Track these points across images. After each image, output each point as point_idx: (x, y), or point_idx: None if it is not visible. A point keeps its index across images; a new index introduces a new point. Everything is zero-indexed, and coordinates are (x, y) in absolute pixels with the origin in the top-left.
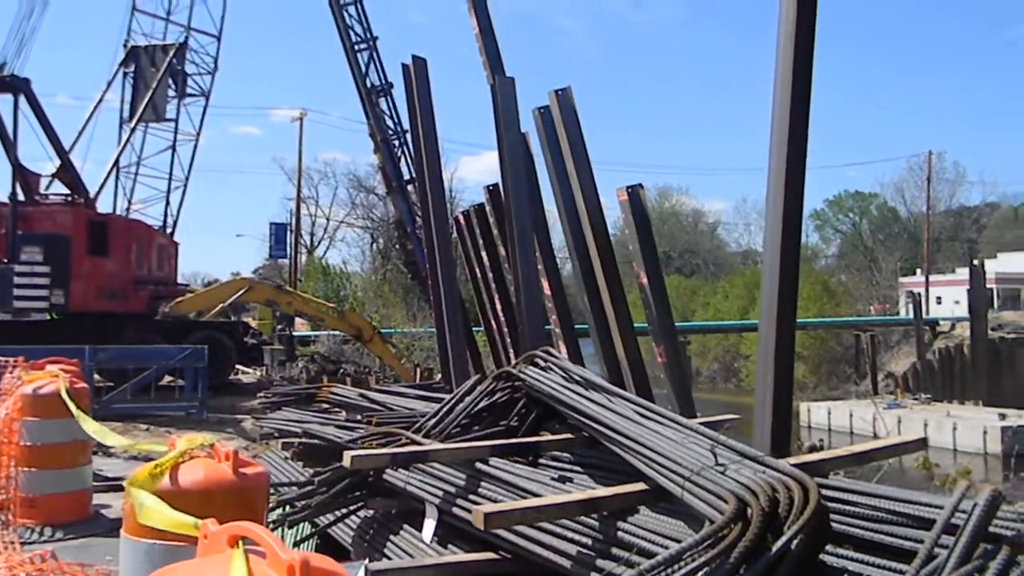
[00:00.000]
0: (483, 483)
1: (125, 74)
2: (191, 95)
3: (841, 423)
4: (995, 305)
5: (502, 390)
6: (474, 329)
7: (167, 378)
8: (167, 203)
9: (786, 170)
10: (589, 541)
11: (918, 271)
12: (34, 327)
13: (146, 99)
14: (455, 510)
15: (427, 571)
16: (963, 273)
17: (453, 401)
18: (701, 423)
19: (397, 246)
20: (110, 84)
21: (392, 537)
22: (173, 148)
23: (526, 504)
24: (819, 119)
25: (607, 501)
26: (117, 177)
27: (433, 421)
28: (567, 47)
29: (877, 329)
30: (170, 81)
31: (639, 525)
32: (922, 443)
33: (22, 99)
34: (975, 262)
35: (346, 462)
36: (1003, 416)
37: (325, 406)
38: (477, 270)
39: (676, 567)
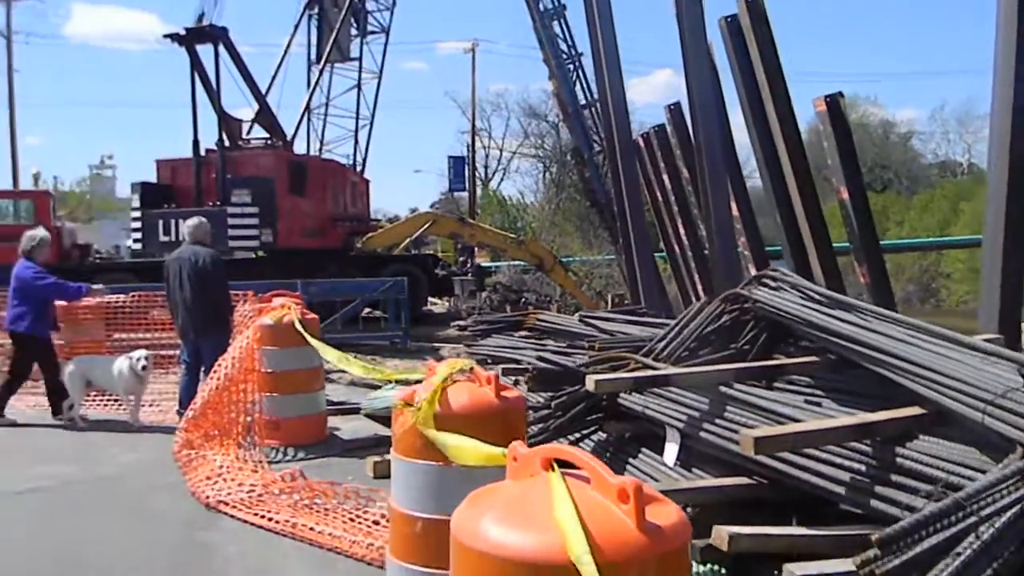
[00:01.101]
0: (728, 407)
1: (310, 16)
2: (372, 32)
3: None
4: None
5: (730, 312)
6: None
7: (366, 310)
8: (356, 141)
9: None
10: (863, 467)
11: None
12: (244, 264)
13: (331, 39)
14: (701, 434)
15: (683, 494)
16: None
17: (680, 324)
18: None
19: (572, 174)
20: (297, 27)
21: (631, 460)
22: (358, 87)
23: (797, 428)
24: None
25: (882, 426)
26: (309, 119)
27: (663, 344)
28: None
29: None
30: (352, 20)
31: (921, 451)
32: None
33: (221, 48)
34: None
35: (589, 386)
36: None
37: (530, 333)
38: (659, 194)
39: (997, 494)
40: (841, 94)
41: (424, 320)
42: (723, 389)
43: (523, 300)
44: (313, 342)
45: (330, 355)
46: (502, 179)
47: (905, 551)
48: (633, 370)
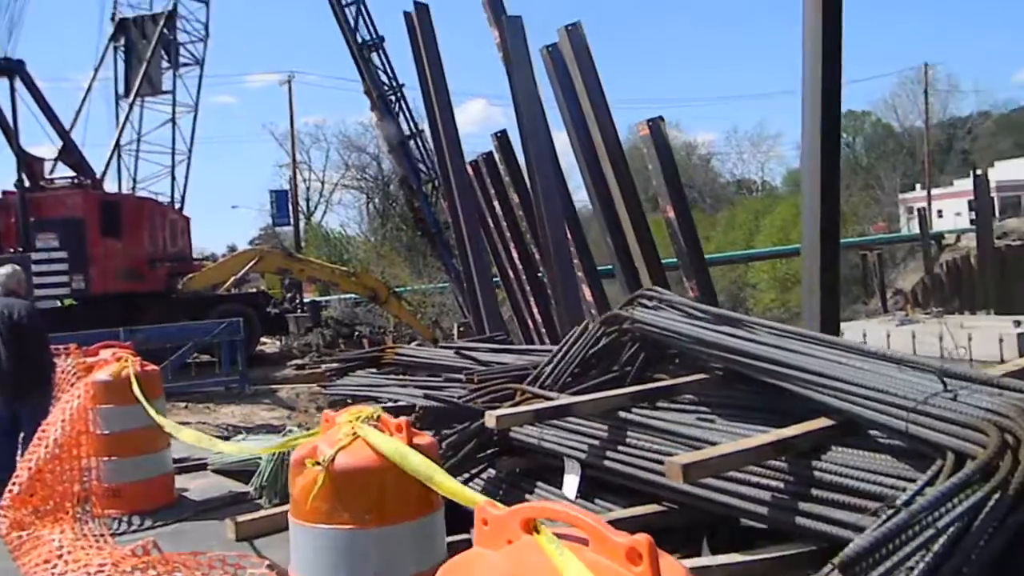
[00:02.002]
0: (629, 432)
1: (116, 48)
2: (185, 64)
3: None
4: (996, 214)
5: (608, 334)
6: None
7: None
8: (172, 177)
9: (822, 89)
10: (781, 484)
11: (917, 186)
12: (52, 315)
13: (141, 72)
14: (605, 462)
15: None
16: (961, 185)
17: (563, 350)
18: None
19: (397, 204)
20: (102, 60)
21: (527, 496)
22: (173, 121)
23: (720, 451)
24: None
25: (798, 440)
26: (119, 156)
27: (548, 371)
28: None
29: (882, 247)
30: (163, 52)
31: (838, 463)
32: None
33: (18, 82)
34: (979, 172)
35: (489, 422)
36: (1018, 323)
37: (390, 368)
38: (490, 220)
39: (951, 504)
40: (662, 118)
41: (257, 361)
42: (621, 414)
43: (356, 334)
44: (166, 425)
45: (186, 437)
46: (325, 212)
47: (868, 571)
48: (523, 401)
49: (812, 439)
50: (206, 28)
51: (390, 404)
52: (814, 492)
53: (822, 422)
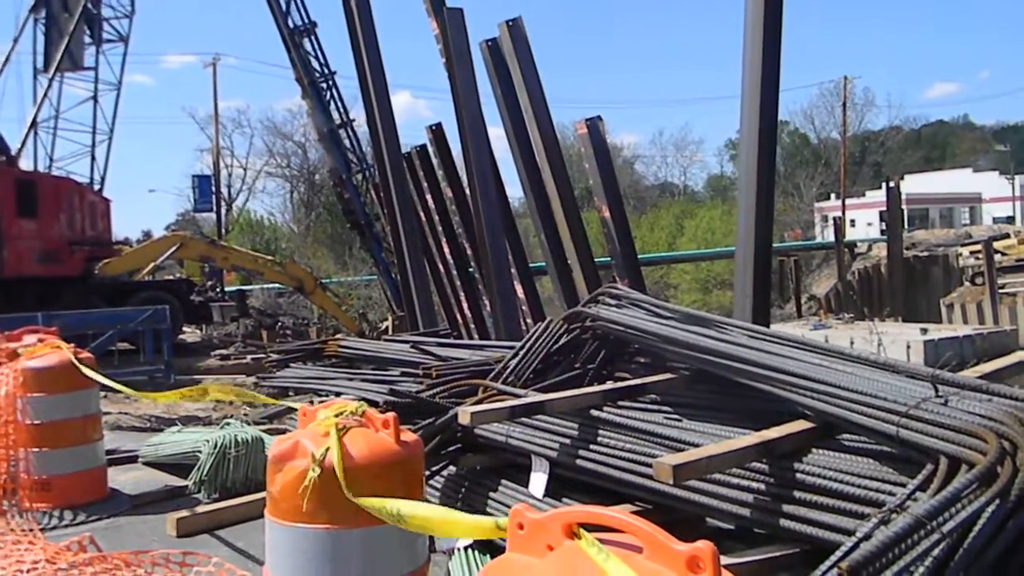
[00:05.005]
0: (601, 430)
1: (36, 21)
2: (109, 41)
3: None
4: (905, 225)
5: (570, 332)
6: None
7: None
8: (92, 158)
9: (760, 91)
10: (762, 486)
11: (832, 196)
12: None
13: (62, 47)
14: (578, 461)
15: None
16: (873, 196)
17: (527, 347)
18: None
19: (323, 195)
20: (21, 33)
21: (491, 494)
22: (95, 99)
23: (708, 452)
24: (728, 53)
25: (780, 443)
26: (36, 133)
27: (512, 366)
28: None
29: (798, 254)
30: (85, 27)
31: (820, 465)
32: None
33: None
34: (891, 183)
35: (463, 419)
36: (924, 331)
37: (335, 360)
38: (422, 212)
39: (954, 510)
40: (600, 118)
41: (179, 351)
42: (593, 412)
43: (279, 324)
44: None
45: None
46: (247, 199)
47: None
48: (487, 398)
49: (794, 441)
50: (132, 4)
51: (334, 398)
52: (796, 494)
53: (802, 424)
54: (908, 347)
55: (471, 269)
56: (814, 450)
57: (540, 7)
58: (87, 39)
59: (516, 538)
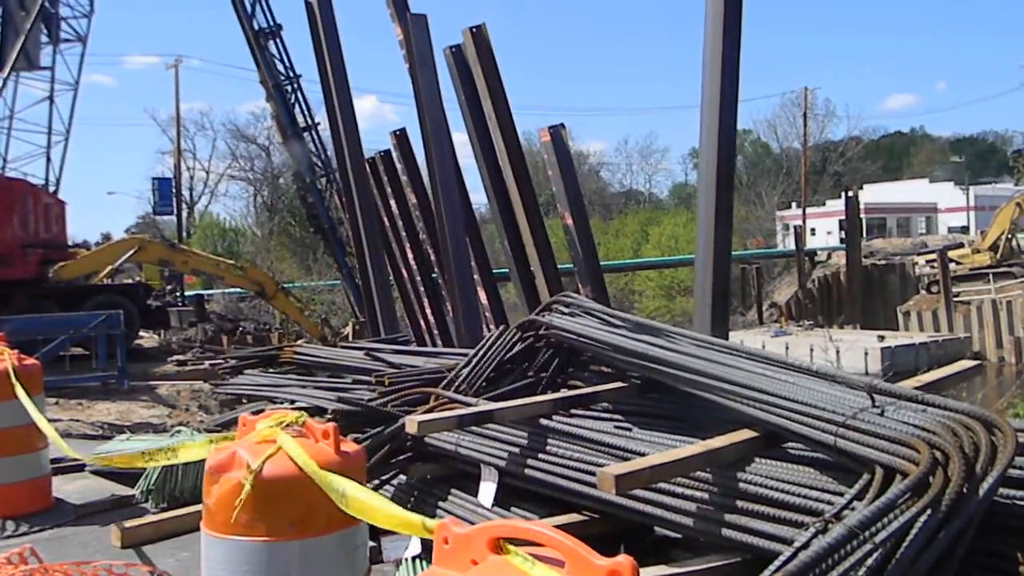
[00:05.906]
0: (550, 439)
1: None
2: (66, 40)
3: None
4: (863, 234)
5: (524, 340)
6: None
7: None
8: (48, 159)
9: (720, 101)
10: (706, 495)
11: (793, 204)
12: None
13: (17, 46)
14: (527, 471)
15: None
16: (833, 205)
17: (479, 355)
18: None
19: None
20: None
21: (440, 504)
22: (51, 99)
23: (652, 462)
24: (693, 63)
25: (724, 452)
26: None
27: (464, 375)
28: None
29: (760, 261)
30: (42, 26)
31: (763, 475)
32: (979, 368)
33: None
34: (850, 193)
35: (411, 428)
36: (881, 338)
37: (290, 367)
38: (386, 218)
39: (887, 520)
40: (563, 125)
41: (135, 356)
42: (542, 421)
43: (240, 329)
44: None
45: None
46: (209, 202)
47: None
48: (438, 406)
49: (738, 450)
50: (91, 3)
51: (288, 406)
52: (739, 503)
53: (746, 433)
54: (866, 353)
55: (435, 275)
56: (757, 459)
57: (507, 14)
58: (44, 38)
59: (441, 552)
